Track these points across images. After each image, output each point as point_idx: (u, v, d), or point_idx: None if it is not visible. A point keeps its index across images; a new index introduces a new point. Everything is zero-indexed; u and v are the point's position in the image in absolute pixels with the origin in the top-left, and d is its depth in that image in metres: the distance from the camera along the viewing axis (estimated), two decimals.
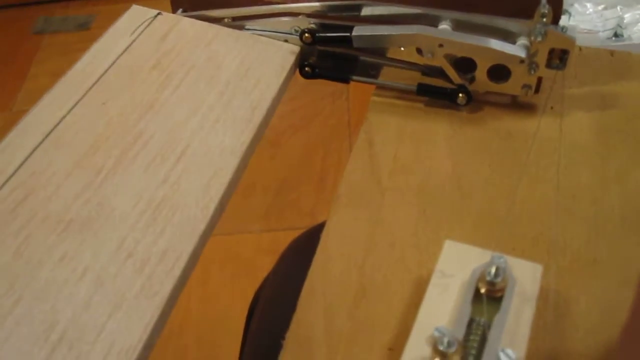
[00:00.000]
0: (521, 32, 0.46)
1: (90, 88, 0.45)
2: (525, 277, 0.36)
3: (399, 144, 0.48)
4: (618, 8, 1.09)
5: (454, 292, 0.36)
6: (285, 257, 0.70)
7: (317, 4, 0.49)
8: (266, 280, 0.71)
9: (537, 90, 0.49)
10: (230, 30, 0.51)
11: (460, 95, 0.48)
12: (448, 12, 0.48)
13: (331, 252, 0.41)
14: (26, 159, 0.40)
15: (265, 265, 1.53)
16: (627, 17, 1.08)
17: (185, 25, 0.51)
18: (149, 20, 0.50)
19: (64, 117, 0.43)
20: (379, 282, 0.40)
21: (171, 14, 0.52)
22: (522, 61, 0.46)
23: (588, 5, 1.10)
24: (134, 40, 0.49)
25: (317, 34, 0.50)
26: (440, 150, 0.47)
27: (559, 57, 0.46)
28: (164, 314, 0.35)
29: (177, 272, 0.36)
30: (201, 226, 0.38)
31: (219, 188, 0.40)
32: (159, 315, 0.34)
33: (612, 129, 0.48)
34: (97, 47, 0.49)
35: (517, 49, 0.46)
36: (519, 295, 0.35)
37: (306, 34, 0.50)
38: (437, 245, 0.40)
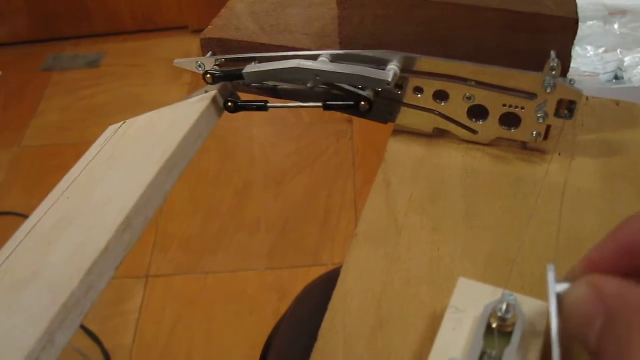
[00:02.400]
0: (392, 59, 0.49)
1: (63, 193, 0.49)
2: (534, 313, 0.38)
3: (415, 185, 0.49)
4: (618, 51, 1.11)
5: (467, 327, 0.38)
6: (299, 302, 0.71)
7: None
8: (279, 325, 0.71)
9: (546, 137, 0.50)
10: (173, 105, 0.55)
11: (362, 103, 0.50)
12: (327, 50, 0.51)
13: (350, 286, 0.43)
14: (8, 257, 0.45)
15: (269, 303, 1.54)
16: (627, 60, 1.09)
17: (141, 119, 0.56)
18: (115, 130, 0.55)
19: (41, 218, 0.47)
20: (395, 316, 0.41)
21: (134, 117, 0.56)
22: (388, 84, 0.48)
23: (589, 48, 1.11)
24: (100, 150, 0.53)
25: (215, 74, 0.53)
26: (454, 191, 0.49)
27: (567, 108, 0.47)
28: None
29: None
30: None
31: (121, 212, 0.44)
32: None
33: (617, 175, 0.50)
34: (77, 164, 0.53)
35: (384, 74, 0.48)
36: (528, 331, 0.37)
37: (208, 75, 0.53)
38: (450, 282, 0.42)
